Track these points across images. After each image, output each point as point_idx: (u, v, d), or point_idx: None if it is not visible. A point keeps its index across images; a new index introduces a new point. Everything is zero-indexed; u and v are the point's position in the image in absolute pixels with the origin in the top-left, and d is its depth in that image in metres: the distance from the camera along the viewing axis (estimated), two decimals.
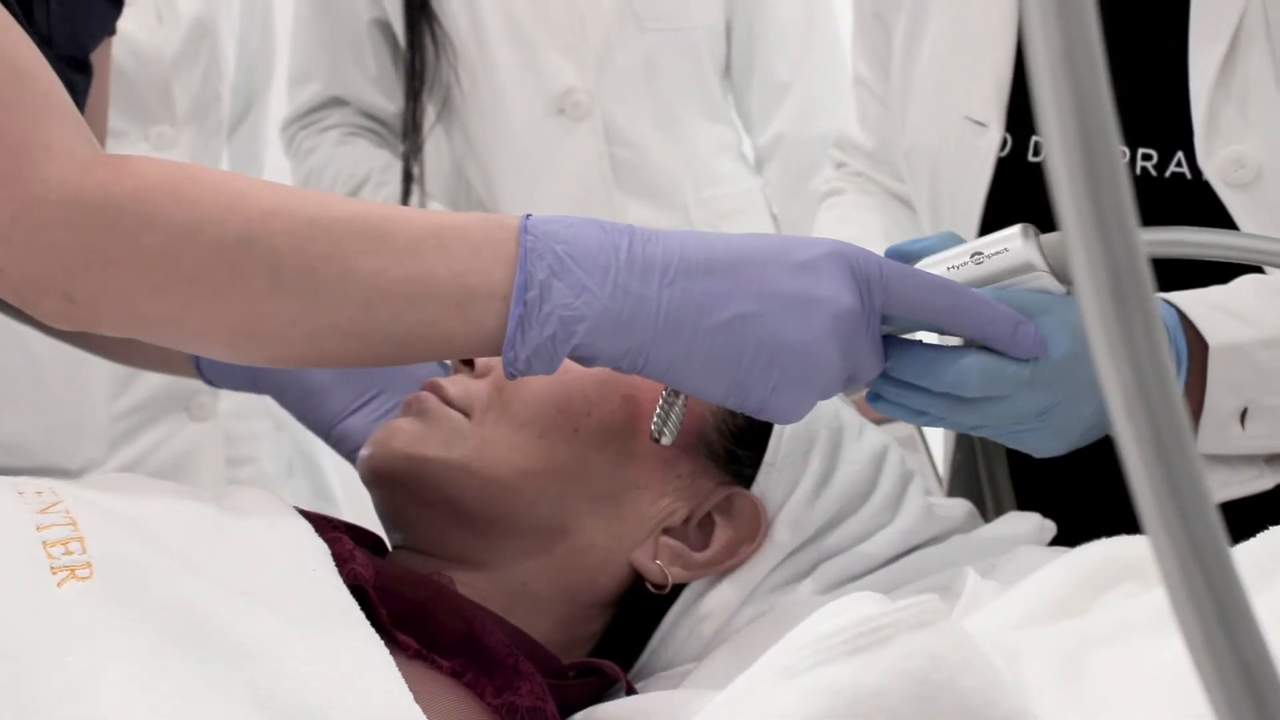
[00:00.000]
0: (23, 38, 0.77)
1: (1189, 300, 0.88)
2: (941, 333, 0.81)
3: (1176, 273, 0.90)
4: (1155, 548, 0.33)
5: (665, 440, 0.84)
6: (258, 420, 1.79)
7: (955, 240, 0.83)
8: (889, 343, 0.79)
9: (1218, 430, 0.88)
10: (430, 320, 0.73)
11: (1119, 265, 0.31)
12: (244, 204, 0.73)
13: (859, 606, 0.60)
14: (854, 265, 0.75)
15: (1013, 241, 0.80)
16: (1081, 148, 0.32)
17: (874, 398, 0.82)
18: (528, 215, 0.74)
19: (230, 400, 1.74)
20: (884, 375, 0.80)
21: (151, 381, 1.66)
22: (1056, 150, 0.31)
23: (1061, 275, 0.80)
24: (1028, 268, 0.80)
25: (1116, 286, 0.33)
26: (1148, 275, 0.32)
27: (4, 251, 0.73)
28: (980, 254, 0.80)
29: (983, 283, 0.80)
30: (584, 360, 0.75)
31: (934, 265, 0.81)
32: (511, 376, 0.75)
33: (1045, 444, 0.83)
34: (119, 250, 0.72)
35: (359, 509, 1.19)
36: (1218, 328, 0.87)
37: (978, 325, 0.77)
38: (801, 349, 0.74)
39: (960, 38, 1.06)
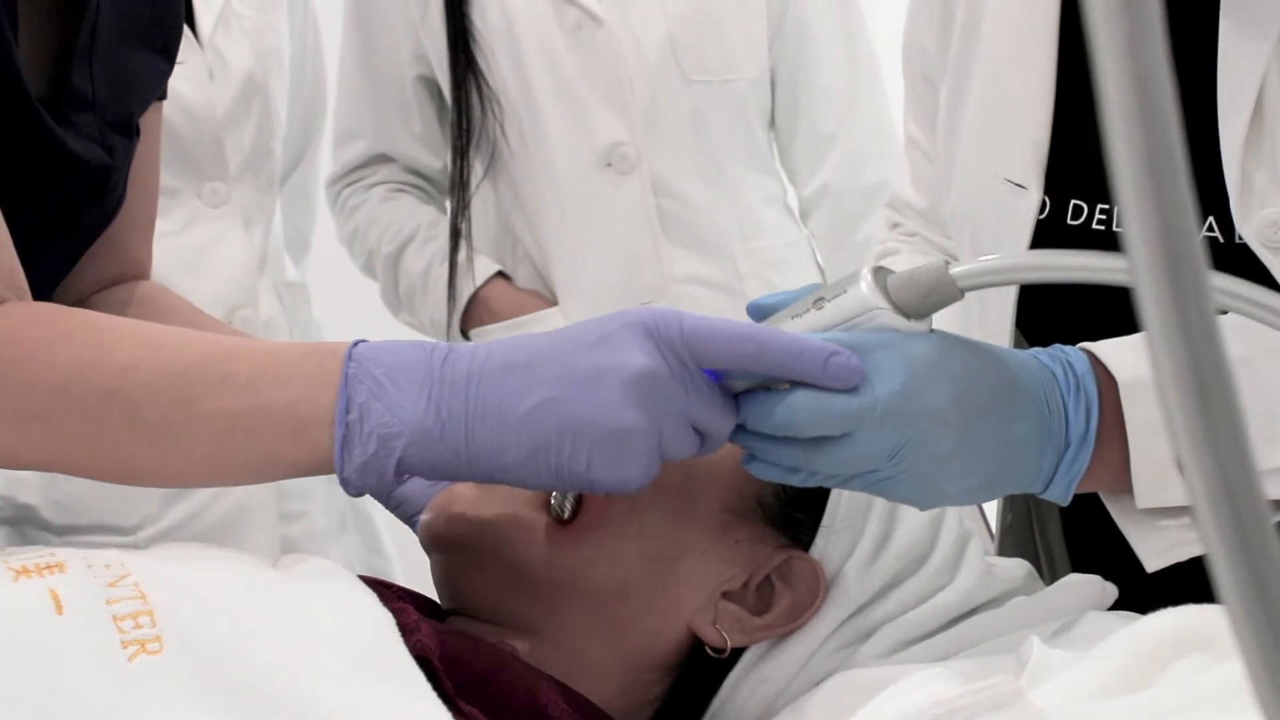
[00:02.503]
0: None
1: (1104, 344, 0.86)
2: (763, 379, 0.79)
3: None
4: (1232, 622, 0.33)
5: (566, 515, 0.87)
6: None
7: (814, 290, 0.82)
8: (741, 398, 0.79)
9: (1153, 480, 0.85)
10: (272, 448, 0.78)
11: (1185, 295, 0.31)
12: (108, 360, 0.79)
13: (933, 684, 0.60)
14: (650, 328, 0.76)
15: (852, 283, 0.80)
16: (1160, 226, 0.32)
17: (748, 459, 0.82)
18: (356, 342, 0.79)
19: None
20: (743, 430, 0.80)
21: None
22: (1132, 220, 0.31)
23: (907, 310, 0.79)
24: (867, 306, 0.79)
25: (1199, 380, 0.32)
26: (1230, 372, 0.32)
27: None
28: (822, 299, 0.80)
29: (826, 327, 0.79)
30: (413, 474, 0.79)
31: (781, 317, 0.81)
32: (354, 494, 0.79)
33: (911, 494, 0.81)
34: (3, 410, 0.79)
35: (411, 564, 1.19)
36: (1124, 361, 0.84)
37: (786, 363, 0.76)
38: (600, 421, 0.75)
39: (1000, 100, 1.06)
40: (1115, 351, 0.85)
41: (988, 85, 1.07)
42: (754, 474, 0.82)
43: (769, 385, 0.79)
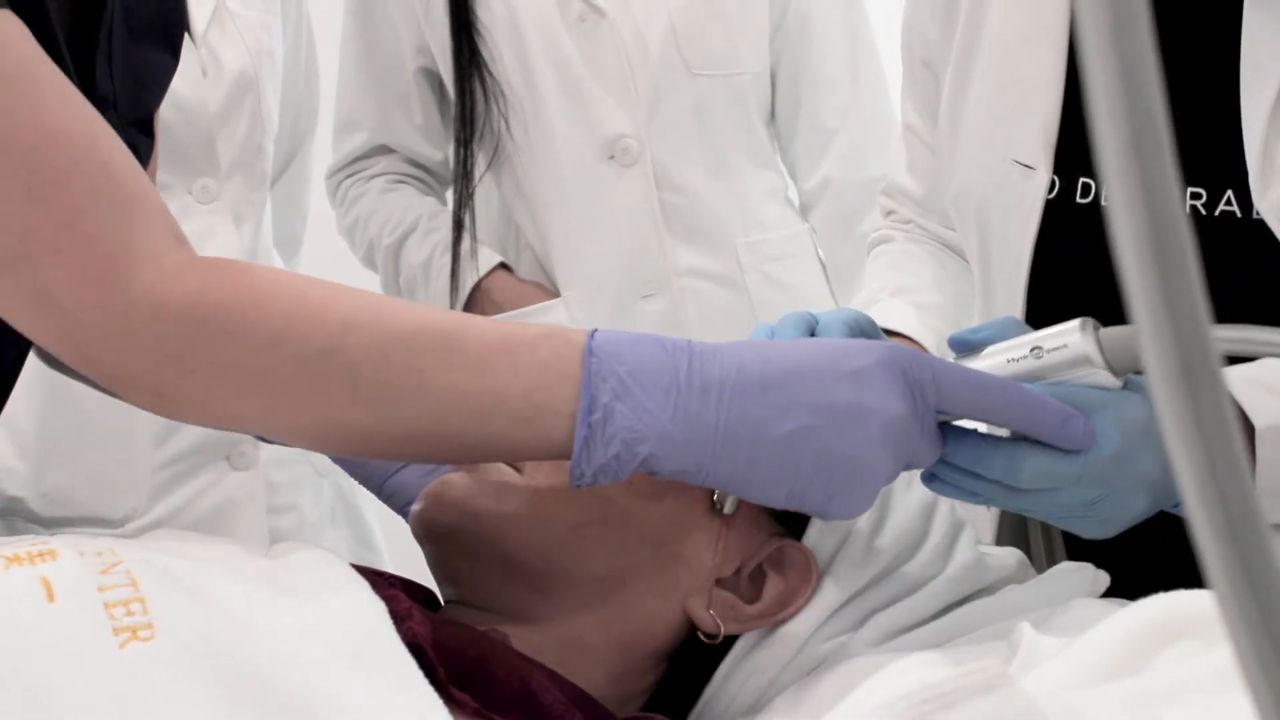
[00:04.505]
0: (110, 135, 0.79)
1: (1234, 377, 0.88)
2: (994, 425, 0.83)
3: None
4: (1225, 617, 0.33)
5: (727, 509, 0.88)
6: (298, 468, 1.79)
7: (1017, 327, 0.86)
8: (945, 429, 0.82)
9: (1273, 504, 0.88)
10: (500, 433, 0.76)
11: (1189, 351, 0.31)
12: (324, 316, 0.76)
13: (922, 670, 0.60)
14: (906, 371, 0.78)
15: (1071, 336, 0.82)
16: (1153, 243, 0.32)
17: (929, 477, 0.85)
18: (594, 332, 0.77)
19: (271, 449, 1.74)
20: (940, 460, 0.82)
21: (194, 431, 1.67)
22: (1127, 244, 0.32)
23: (1118, 369, 0.82)
24: (1085, 362, 0.82)
25: (1187, 371, 0.33)
26: (1217, 359, 0.33)
27: (97, 348, 0.77)
28: (1039, 348, 0.83)
29: (1040, 376, 0.83)
30: (649, 473, 0.78)
31: (993, 356, 0.84)
32: (577, 487, 0.77)
33: (1092, 530, 0.85)
34: (203, 359, 0.75)
35: (401, 557, 1.19)
36: (1263, 408, 0.87)
37: (1028, 421, 0.79)
38: (855, 459, 0.77)
39: (1008, 81, 1.06)
40: (1247, 392, 0.87)
41: (995, 67, 1.07)
42: (933, 490, 0.85)
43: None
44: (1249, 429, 0.86)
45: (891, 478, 0.80)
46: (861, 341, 0.80)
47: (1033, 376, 0.83)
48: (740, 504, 0.88)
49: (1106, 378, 0.82)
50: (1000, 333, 0.85)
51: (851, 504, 0.79)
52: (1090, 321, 0.83)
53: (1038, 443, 0.81)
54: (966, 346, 0.86)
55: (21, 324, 0.78)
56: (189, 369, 0.76)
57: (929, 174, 1.22)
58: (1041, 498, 0.82)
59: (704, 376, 0.76)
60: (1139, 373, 0.84)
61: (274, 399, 0.76)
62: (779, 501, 0.79)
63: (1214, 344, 0.32)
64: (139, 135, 0.99)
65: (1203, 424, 0.33)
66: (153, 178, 1.13)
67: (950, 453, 0.82)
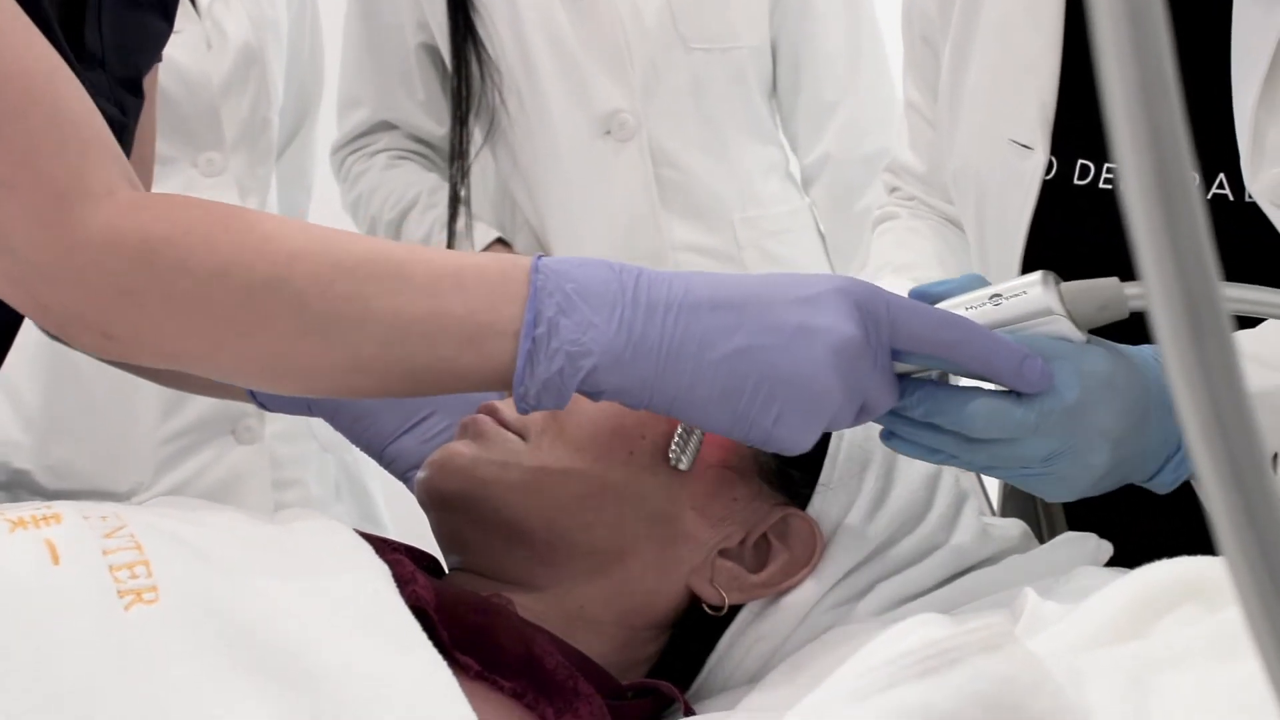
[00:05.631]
0: (68, 78, 0.79)
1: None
2: (950, 369, 0.81)
3: None
4: (1233, 574, 0.33)
5: (683, 466, 0.87)
6: (304, 443, 1.79)
7: (980, 281, 0.84)
8: (903, 382, 0.80)
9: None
10: (446, 356, 0.75)
11: (1195, 301, 0.31)
12: (271, 247, 0.75)
13: (926, 629, 0.60)
14: (860, 300, 0.76)
15: (1033, 287, 0.81)
16: (1161, 195, 0.32)
17: (888, 435, 0.83)
18: (540, 255, 0.76)
19: (276, 423, 1.74)
20: (897, 414, 0.80)
21: (199, 405, 1.67)
22: (1135, 199, 0.31)
23: (1079, 322, 0.81)
24: (1046, 312, 0.80)
25: (1194, 322, 0.33)
26: (1224, 310, 0.33)
27: (48, 290, 0.76)
28: (999, 296, 0.81)
29: (999, 325, 0.81)
30: (592, 395, 0.77)
31: (953, 307, 0.82)
32: (523, 410, 0.77)
33: (1052, 490, 0.83)
34: (153, 293, 0.75)
35: (405, 531, 1.20)
36: (1248, 374, 0.85)
37: (983, 359, 0.78)
38: (801, 379, 0.75)
39: (1005, 61, 1.06)
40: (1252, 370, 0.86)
41: (993, 47, 1.07)
42: (893, 449, 0.83)
43: (938, 374, 0.81)
44: None
45: (844, 411, 0.77)
46: (815, 274, 0.79)
47: (992, 325, 0.81)
48: (697, 458, 0.87)
49: (1068, 328, 0.80)
50: (964, 285, 0.83)
51: (798, 430, 0.76)
52: (1051, 275, 0.81)
53: (992, 392, 0.79)
54: (928, 298, 0.84)
55: None
56: (139, 304, 0.75)
57: (931, 151, 1.21)
58: (998, 450, 0.79)
59: (651, 295, 0.75)
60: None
61: (222, 331, 0.76)
62: (724, 426, 0.76)
63: (1220, 290, 0.32)
64: (127, 95, 0.99)
65: (1209, 374, 0.32)
66: (149, 146, 1.13)
67: (906, 403, 0.79)
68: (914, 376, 0.81)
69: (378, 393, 0.80)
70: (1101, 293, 0.80)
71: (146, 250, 0.75)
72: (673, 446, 0.87)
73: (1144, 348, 0.85)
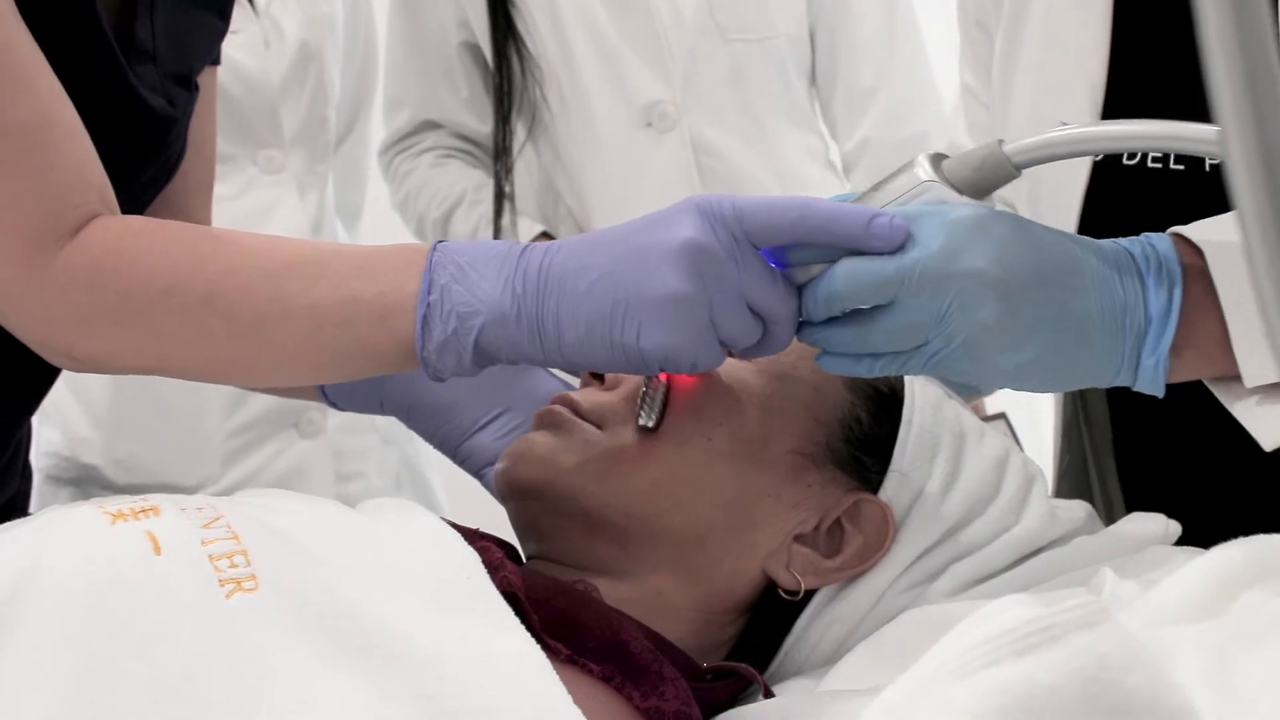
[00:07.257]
0: (59, 120, 0.85)
1: (1193, 225, 0.82)
2: (815, 257, 0.80)
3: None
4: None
5: (649, 424, 0.89)
6: (365, 435, 1.81)
7: None
8: (802, 290, 0.80)
9: (1258, 356, 0.79)
10: (360, 337, 0.81)
11: None
12: (207, 266, 0.83)
13: (1019, 608, 0.61)
14: (702, 206, 0.78)
15: (908, 166, 0.82)
16: None
17: (820, 356, 0.82)
18: (441, 240, 0.83)
19: (338, 416, 1.75)
20: (809, 326, 0.81)
21: (263, 400, 1.69)
22: None
23: (961, 186, 0.80)
24: (919, 181, 0.80)
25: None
26: None
27: (20, 319, 0.86)
28: (880, 183, 0.82)
29: (882, 205, 0.81)
30: (490, 359, 0.81)
31: (839, 199, 0.82)
32: (436, 379, 0.82)
33: (964, 367, 0.79)
34: (104, 320, 0.83)
35: (466, 522, 1.21)
36: (1211, 235, 0.80)
37: (827, 227, 0.78)
38: (645, 290, 0.77)
39: (1056, 43, 1.07)
40: (1203, 229, 0.82)
41: (1043, 30, 1.08)
42: (825, 368, 0.82)
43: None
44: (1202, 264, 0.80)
45: (725, 316, 0.78)
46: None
47: (876, 205, 0.80)
48: (661, 415, 0.89)
49: (949, 193, 0.80)
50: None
51: (666, 338, 0.77)
52: (935, 153, 0.82)
53: (858, 254, 0.78)
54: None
55: None
56: (93, 330, 0.84)
57: (988, 133, 1.22)
58: (888, 323, 0.77)
59: (530, 257, 0.80)
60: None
61: (167, 347, 0.84)
62: (604, 359, 0.79)
63: None
64: (178, 89, 1.01)
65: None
66: (211, 144, 1.15)
67: (806, 310, 0.80)
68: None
69: (310, 379, 0.88)
70: (977, 154, 0.81)
71: (97, 285, 0.83)
72: (639, 408, 0.89)
73: (1118, 240, 0.84)
